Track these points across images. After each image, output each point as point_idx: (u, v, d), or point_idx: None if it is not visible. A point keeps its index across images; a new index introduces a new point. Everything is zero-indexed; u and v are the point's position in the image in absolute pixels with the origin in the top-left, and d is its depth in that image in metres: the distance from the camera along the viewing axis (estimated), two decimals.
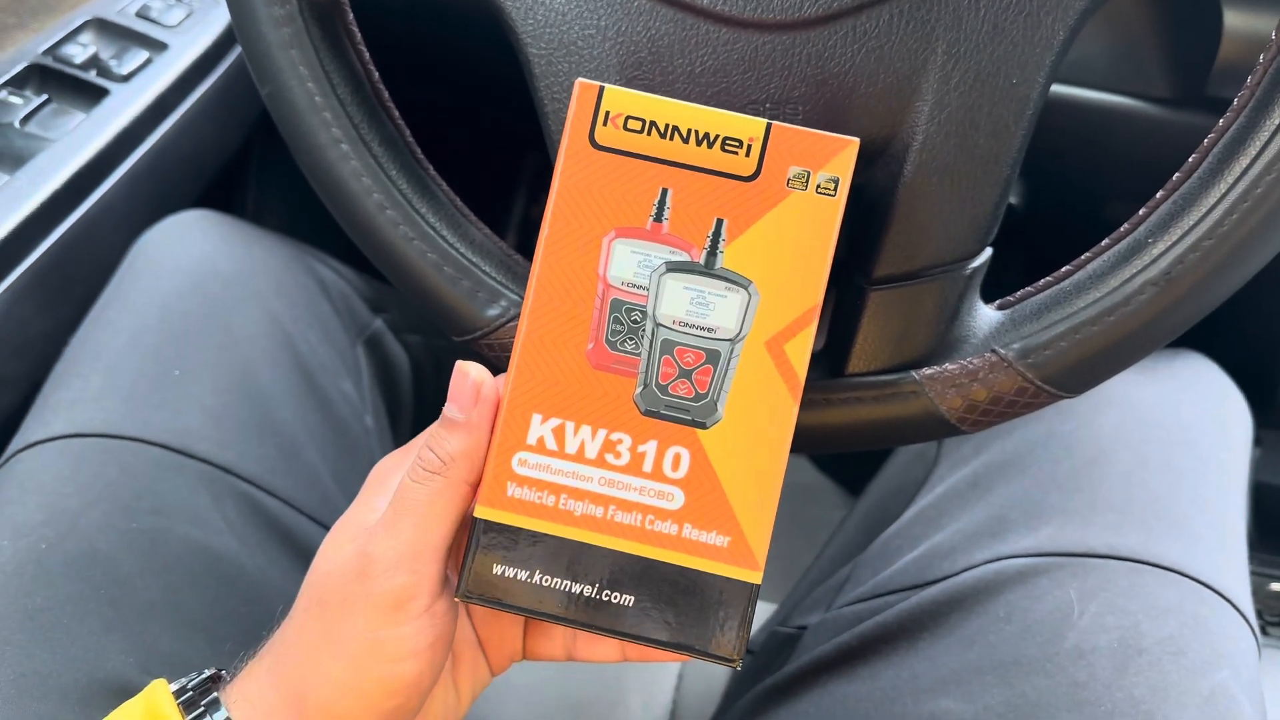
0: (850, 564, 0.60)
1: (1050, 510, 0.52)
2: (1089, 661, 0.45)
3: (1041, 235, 0.79)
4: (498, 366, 0.43)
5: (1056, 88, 0.69)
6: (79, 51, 0.77)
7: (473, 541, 0.36)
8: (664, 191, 0.36)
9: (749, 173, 0.36)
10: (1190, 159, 0.38)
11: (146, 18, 0.82)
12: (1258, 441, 0.81)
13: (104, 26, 0.80)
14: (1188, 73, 0.66)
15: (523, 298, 0.41)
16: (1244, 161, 0.36)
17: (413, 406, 0.78)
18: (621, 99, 0.36)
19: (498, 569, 0.36)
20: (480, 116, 1.01)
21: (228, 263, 0.67)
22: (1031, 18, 0.37)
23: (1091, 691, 0.44)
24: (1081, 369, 0.38)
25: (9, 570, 0.49)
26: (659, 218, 0.36)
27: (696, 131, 0.36)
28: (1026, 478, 0.55)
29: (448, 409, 0.36)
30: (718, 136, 0.36)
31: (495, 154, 1.13)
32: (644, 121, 0.36)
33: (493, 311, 0.42)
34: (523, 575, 0.36)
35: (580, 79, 0.36)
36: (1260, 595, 0.77)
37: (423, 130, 0.47)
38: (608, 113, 0.36)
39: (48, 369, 0.63)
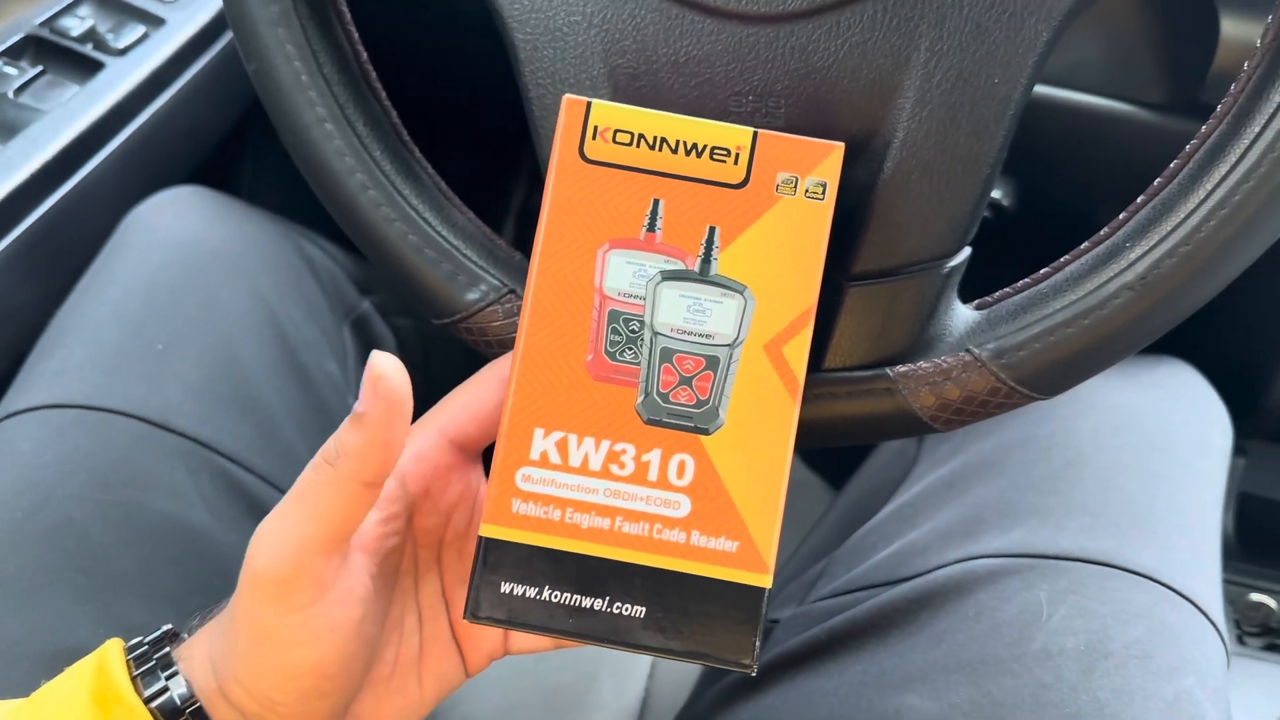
0: (825, 559, 0.60)
1: (1024, 512, 0.52)
2: (1055, 663, 0.45)
3: (1037, 238, 0.79)
4: (477, 350, 0.43)
5: (1051, 90, 0.68)
6: (76, 24, 0.77)
7: (478, 561, 0.35)
8: (656, 202, 0.36)
9: (738, 180, 0.36)
10: (1172, 165, 0.38)
11: None
12: (1241, 452, 0.81)
13: (102, 1, 0.80)
14: (1183, 79, 0.66)
15: (502, 282, 0.41)
16: (1223, 169, 0.36)
17: None
18: (609, 113, 0.36)
19: (506, 587, 0.35)
20: (480, 106, 1.01)
21: (215, 239, 0.67)
22: (1015, 18, 0.37)
23: (1057, 693, 0.44)
24: (1055, 371, 0.38)
25: None
26: (652, 228, 0.36)
27: (684, 142, 0.36)
28: (1002, 479, 0.55)
29: (357, 402, 0.34)
30: (705, 146, 0.36)
31: (496, 144, 1.12)
32: (632, 134, 0.36)
33: (472, 295, 0.41)
34: (531, 593, 0.35)
35: (567, 95, 0.37)
36: (1239, 605, 0.77)
37: (422, 119, 0.46)
38: (596, 127, 0.36)
39: (34, 339, 0.63)
